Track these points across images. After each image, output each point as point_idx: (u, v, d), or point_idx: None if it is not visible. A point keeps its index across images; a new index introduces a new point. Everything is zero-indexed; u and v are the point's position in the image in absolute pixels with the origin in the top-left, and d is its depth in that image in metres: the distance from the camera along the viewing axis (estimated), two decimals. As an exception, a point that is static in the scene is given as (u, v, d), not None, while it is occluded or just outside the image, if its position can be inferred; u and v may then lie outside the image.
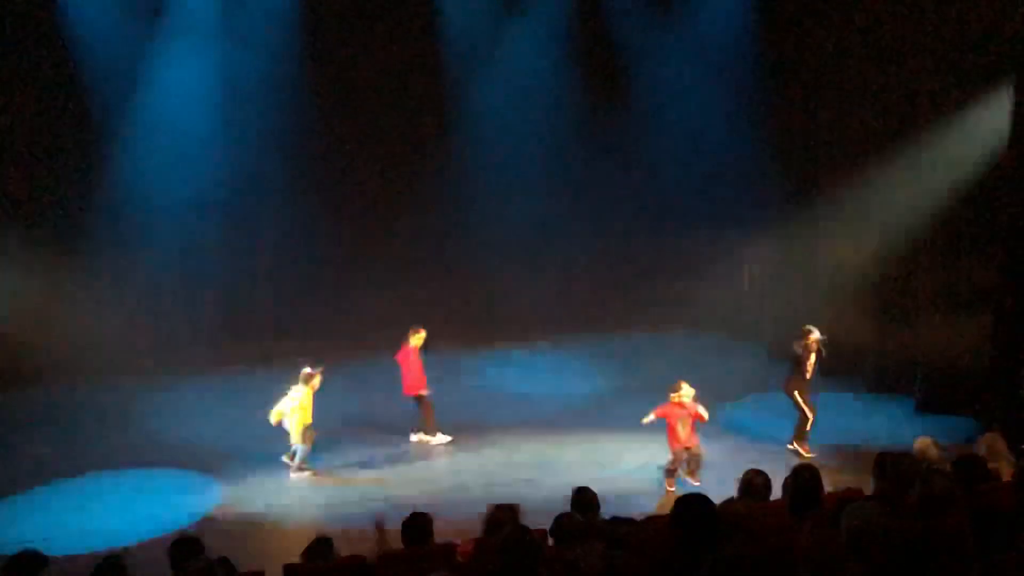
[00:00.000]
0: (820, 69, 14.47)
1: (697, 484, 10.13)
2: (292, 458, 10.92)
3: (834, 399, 12.65)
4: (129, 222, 15.32)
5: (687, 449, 10.23)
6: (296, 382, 10.89)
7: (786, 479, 5.76)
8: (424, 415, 11.96)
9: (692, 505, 3.79)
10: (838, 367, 13.19)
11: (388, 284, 16.24)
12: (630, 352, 16.00)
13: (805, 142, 14.99)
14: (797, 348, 11.05)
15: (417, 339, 11.83)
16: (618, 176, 17.71)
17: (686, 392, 10.23)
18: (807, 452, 10.95)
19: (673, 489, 10.08)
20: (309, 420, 10.84)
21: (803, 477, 5.60)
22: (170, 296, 16.12)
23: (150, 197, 15.19)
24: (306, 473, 10.87)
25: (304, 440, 10.79)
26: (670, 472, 10.25)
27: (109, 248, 15.26)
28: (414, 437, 12.06)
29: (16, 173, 14.99)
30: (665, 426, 10.26)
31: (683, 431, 10.18)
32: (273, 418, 10.75)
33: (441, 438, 11.97)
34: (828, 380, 12.60)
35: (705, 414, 10.23)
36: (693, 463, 10.31)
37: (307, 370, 10.97)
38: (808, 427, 11.06)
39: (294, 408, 10.74)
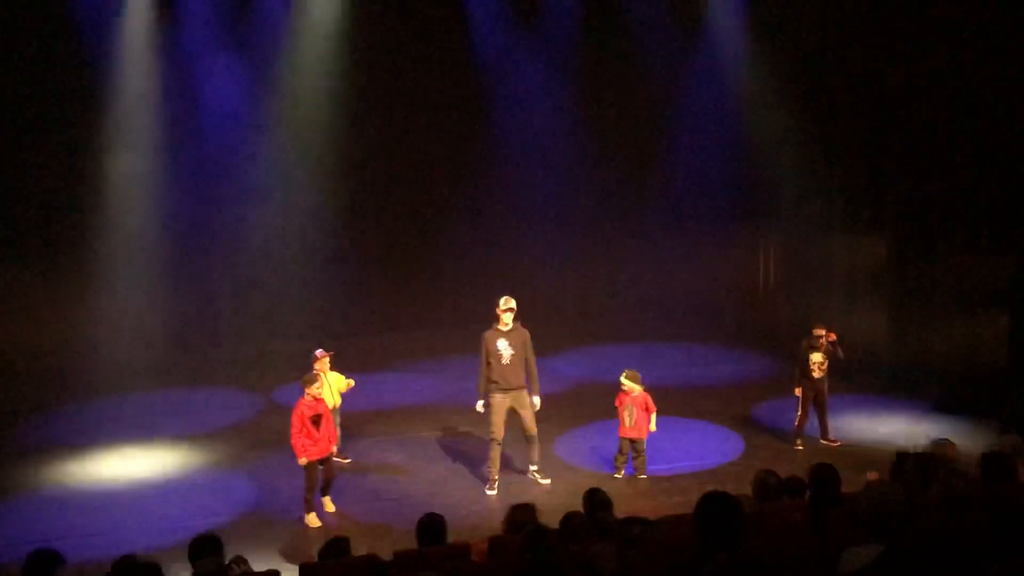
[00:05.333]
0: (835, 61, 14.37)
1: (642, 476, 10.18)
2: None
3: (850, 399, 12.56)
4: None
5: (631, 440, 10.17)
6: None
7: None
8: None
9: (716, 503, 3.74)
10: (854, 367, 13.05)
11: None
12: (646, 350, 15.92)
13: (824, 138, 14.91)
14: (803, 347, 11.16)
15: (315, 390, 9.33)
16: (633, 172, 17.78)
17: (626, 378, 10.17)
18: (797, 446, 11.16)
19: (619, 476, 10.16)
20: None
21: (822, 475, 5.57)
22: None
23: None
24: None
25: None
26: (616, 459, 10.27)
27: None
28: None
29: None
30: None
31: (628, 420, 10.11)
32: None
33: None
34: (843, 380, 12.50)
35: (652, 405, 10.11)
36: (636, 455, 10.21)
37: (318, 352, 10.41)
38: (799, 425, 11.19)
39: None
